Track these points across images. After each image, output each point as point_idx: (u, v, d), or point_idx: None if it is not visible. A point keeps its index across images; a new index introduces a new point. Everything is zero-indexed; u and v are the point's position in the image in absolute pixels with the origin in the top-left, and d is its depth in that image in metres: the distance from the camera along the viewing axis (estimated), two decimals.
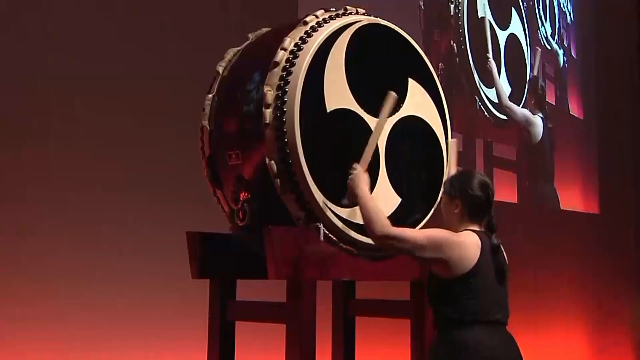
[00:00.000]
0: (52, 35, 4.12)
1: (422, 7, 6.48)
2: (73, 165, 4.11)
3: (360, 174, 2.63)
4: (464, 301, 2.43)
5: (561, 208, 8.01)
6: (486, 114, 7.05)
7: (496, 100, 7.19)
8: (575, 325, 7.89)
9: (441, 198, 2.64)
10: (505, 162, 7.32)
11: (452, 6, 6.76)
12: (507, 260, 2.58)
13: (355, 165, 2.66)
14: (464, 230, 2.53)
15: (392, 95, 2.77)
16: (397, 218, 2.82)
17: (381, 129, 2.76)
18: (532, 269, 7.12)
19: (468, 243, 2.47)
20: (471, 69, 6.88)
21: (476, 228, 2.54)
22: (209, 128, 2.94)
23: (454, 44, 6.72)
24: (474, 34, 6.92)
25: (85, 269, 4.07)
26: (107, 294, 4.11)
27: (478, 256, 2.45)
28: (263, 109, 2.64)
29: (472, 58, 6.90)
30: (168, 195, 4.34)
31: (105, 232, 4.17)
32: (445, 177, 2.93)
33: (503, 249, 2.58)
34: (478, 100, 6.95)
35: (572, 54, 8.82)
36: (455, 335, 2.43)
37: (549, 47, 8.25)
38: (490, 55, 7.07)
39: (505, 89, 7.33)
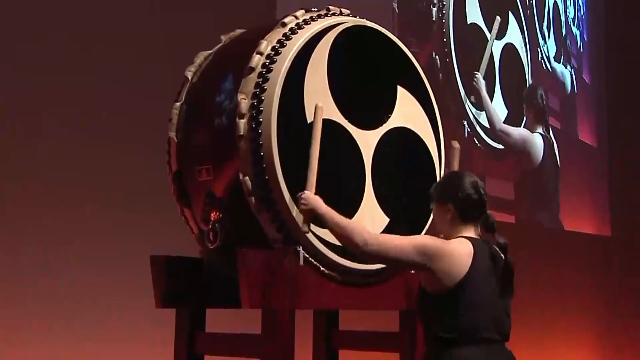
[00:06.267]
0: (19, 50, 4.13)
1: (396, 10, 5.75)
2: (36, 178, 4.11)
3: (310, 197, 2.59)
4: (455, 318, 2.40)
5: (572, 230, 7.95)
6: (477, 142, 6.36)
7: (489, 126, 6.48)
8: (586, 351, 7.99)
9: (432, 207, 2.62)
10: (501, 202, 6.63)
11: (434, 10, 6.06)
12: (511, 267, 2.50)
13: (301, 193, 2.60)
14: (457, 237, 2.50)
15: (318, 106, 2.67)
16: None
17: (316, 150, 2.65)
18: (540, 291, 7.18)
19: (458, 251, 2.43)
20: (458, 87, 6.19)
21: (471, 233, 2.51)
22: (176, 140, 2.93)
23: (437, 56, 6.02)
24: (461, 44, 6.19)
25: (43, 298, 4.04)
26: (67, 321, 4.09)
27: (469, 266, 2.41)
28: (237, 119, 2.64)
29: (460, 74, 6.17)
30: (132, 214, 4.32)
31: (64, 254, 4.13)
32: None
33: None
34: (467, 125, 6.26)
35: (585, 77, 8.46)
36: (445, 356, 2.40)
37: (550, 69, 7.76)
38: (479, 72, 6.30)
39: (500, 110, 6.64)
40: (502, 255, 2.49)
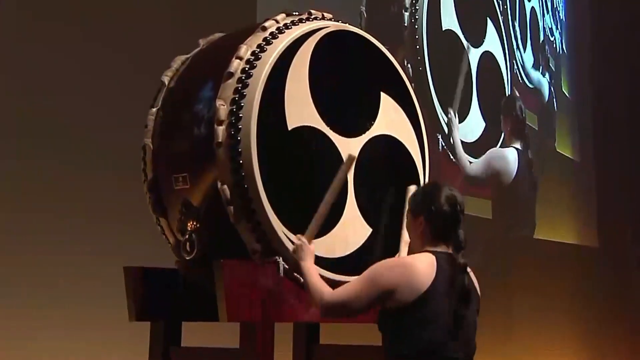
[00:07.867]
0: None
1: (365, 14, 5.49)
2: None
3: (303, 247, 2.60)
4: (416, 334, 2.33)
5: (552, 240, 8.00)
6: (452, 157, 6.11)
7: (466, 140, 6.24)
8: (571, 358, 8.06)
9: (406, 217, 2.59)
10: (478, 220, 6.37)
11: (406, 14, 5.73)
12: (476, 286, 2.46)
13: (299, 236, 2.63)
14: (421, 252, 2.44)
15: (350, 157, 2.72)
16: (367, 252, 2.82)
17: (335, 193, 2.67)
18: (525, 301, 7.21)
19: (417, 265, 2.35)
20: (432, 98, 5.88)
21: (442, 250, 2.42)
22: (152, 147, 2.90)
23: (409, 65, 5.70)
24: (436, 51, 5.88)
25: (14, 309, 4.00)
26: (37, 335, 4.04)
27: (432, 280, 2.33)
28: (215, 125, 2.62)
29: (434, 83, 5.88)
30: (106, 223, 4.29)
31: (36, 264, 4.09)
32: None
33: (473, 275, 2.46)
34: (441, 139, 5.99)
35: (564, 88, 8.36)
36: None
37: (528, 79, 7.53)
38: (452, 110, 5.97)
39: (478, 123, 6.43)
40: (464, 271, 2.41)
